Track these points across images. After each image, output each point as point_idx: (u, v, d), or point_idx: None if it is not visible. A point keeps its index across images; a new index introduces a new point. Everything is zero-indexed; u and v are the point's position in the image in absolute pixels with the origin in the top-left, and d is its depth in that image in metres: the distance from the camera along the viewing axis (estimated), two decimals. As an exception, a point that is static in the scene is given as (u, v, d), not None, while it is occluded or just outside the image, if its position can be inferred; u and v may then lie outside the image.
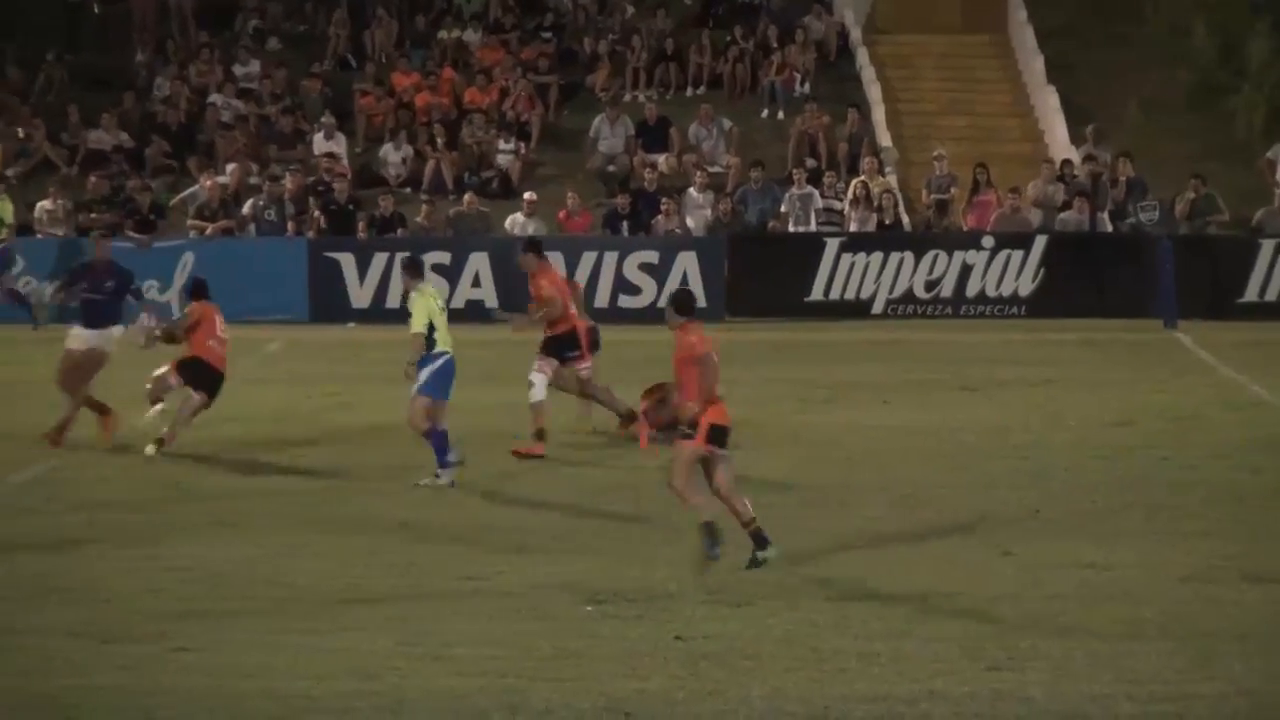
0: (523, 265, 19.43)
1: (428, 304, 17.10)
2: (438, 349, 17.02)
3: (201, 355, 18.83)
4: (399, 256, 29.92)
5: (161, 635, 12.15)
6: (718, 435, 13.92)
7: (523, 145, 34.22)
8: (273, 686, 11.15)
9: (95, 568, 14.08)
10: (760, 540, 13.88)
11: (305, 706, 10.82)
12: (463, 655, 11.75)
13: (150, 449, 18.37)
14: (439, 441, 16.97)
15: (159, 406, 18.90)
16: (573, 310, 19.31)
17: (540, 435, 18.52)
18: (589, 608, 12.83)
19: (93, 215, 31.50)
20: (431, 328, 17.01)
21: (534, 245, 19.57)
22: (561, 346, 19.10)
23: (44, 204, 31.59)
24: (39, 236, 31.25)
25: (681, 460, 13.89)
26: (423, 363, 17.03)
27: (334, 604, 12.97)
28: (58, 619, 12.60)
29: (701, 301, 29.89)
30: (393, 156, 33.79)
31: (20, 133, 34.62)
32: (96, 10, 38.59)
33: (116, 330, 19.54)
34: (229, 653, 11.81)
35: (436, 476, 16.89)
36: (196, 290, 19.51)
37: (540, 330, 19.29)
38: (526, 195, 31.80)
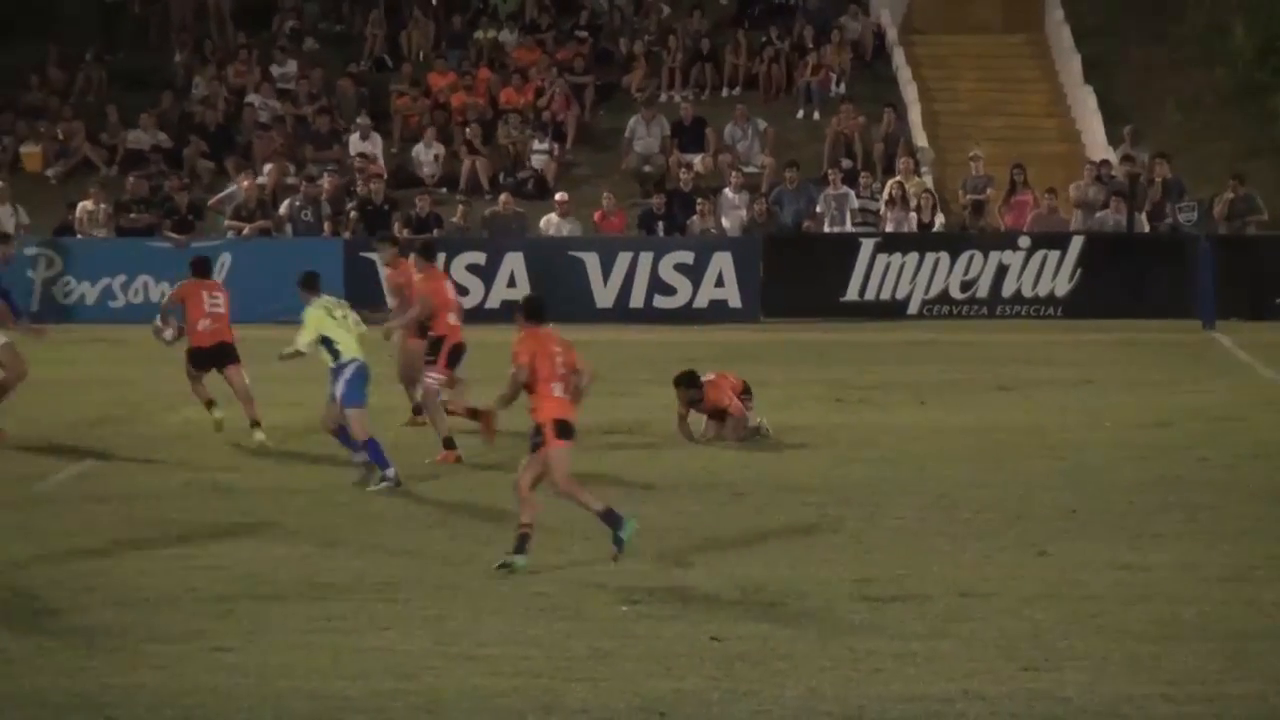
0: (416, 266, 19.32)
1: (318, 318, 17.14)
2: (344, 358, 17.06)
3: (193, 344, 19.35)
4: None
5: (199, 634, 12.19)
6: (564, 430, 14.10)
7: (558, 145, 34.26)
8: (309, 686, 11.18)
9: (133, 566, 14.12)
10: (521, 543, 13.87)
11: (341, 706, 10.84)
12: (498, 655, 11.76)
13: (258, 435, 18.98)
14: (373, 449, 16.98)
15: (215, 411, 19.30)
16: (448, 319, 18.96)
17: (474, 414, 18.32)
18: (624, 608, 12.83)
19: (132, 215, 31.66)
20: (329, 340, 17.05)
21: (428, 248, 19.74)
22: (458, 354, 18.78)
23: (85, 204, 31.73)
24: (79, 237, 31.38)
25: (562, 472, 14.08)
26: (335, 374, 17.09)
27: (369, 603, 12.99)
28: (97, 618, 12.65)
29: (736, 302, 30.05)
30: (424, 156, 33.86)
31: (59, 133, 34.81)
32: (137, 10, 38.73)
33: None
34: (266, 652, 11.84)
35: (384, 480, 16.90)
36: (194, 268, 19.91)
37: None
38: (559, 195, 31.83)
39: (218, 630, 12.28)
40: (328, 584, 13.54)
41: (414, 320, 19.00)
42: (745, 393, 19.47)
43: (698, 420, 19.40)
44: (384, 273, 20.58)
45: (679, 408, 19.37)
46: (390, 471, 16.90)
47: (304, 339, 17.14)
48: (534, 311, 14.58)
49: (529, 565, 13.82)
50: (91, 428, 20.04)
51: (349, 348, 17.09)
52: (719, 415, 19.31)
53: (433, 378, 18.63)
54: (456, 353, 18.73)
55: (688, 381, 19.41)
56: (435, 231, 31.24)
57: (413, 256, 19.69)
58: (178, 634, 12.21)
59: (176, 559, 14.32)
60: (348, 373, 17.01)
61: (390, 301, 20.46)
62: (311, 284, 17.73)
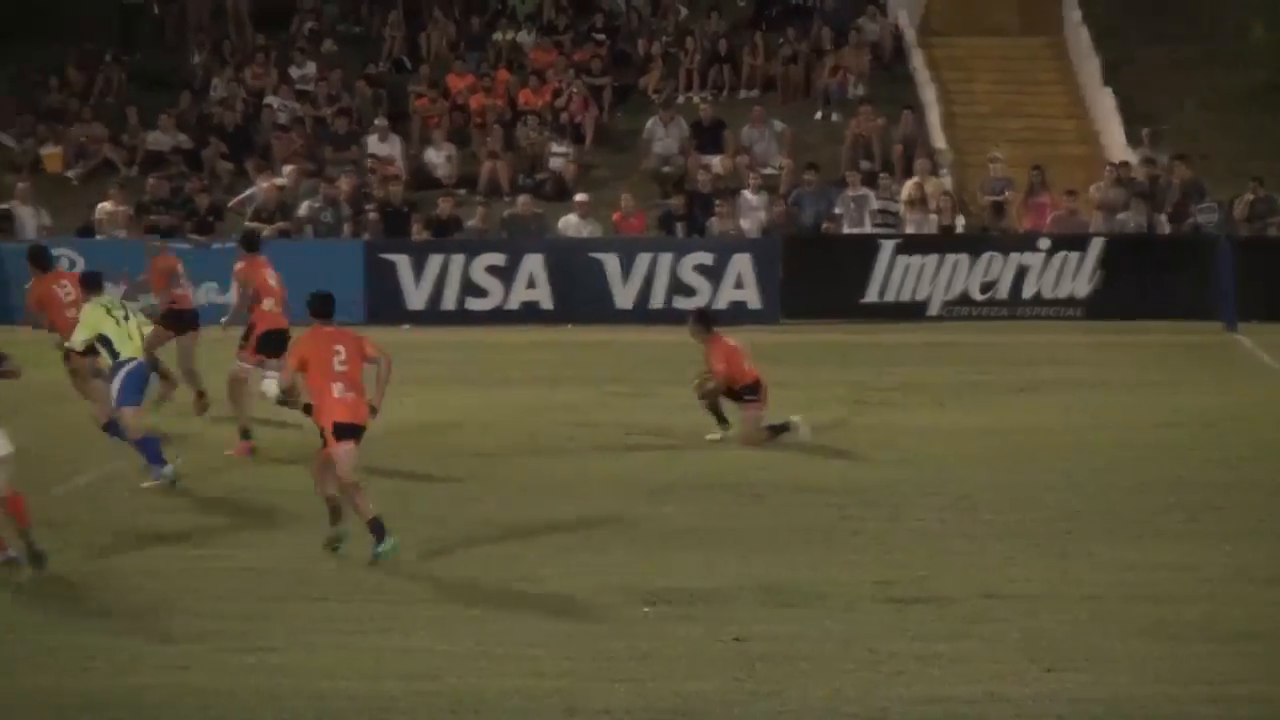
0: (238, 255, 20.24)
1: (96, 316, 17.11)
2: (123, 356, 17.06)
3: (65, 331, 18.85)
4: (453, 259, 30.25)
5: (213, 635, 12.21)
6: (343, 431, 14.25)
7: (576, 147, 34.28)
8: (350, 687, 11.17)
9: (176, 567, 14.12)
10: (379, 532, 14.15)
11: (384, 706, 10.83)
12: (520, 656, 11.77)
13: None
14: (149, 447, 17.10)
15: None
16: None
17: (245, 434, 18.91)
18: (646, 609, 12.83)
19: (152, 217, 31.70)
20: (107, 339, 17.02)
21: (249, 238, 20.59)
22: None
23: (105, 205, 31.78)
24: (99, 238, 31.42)
25: (344, 471, 14.28)
26: (114, 372, 17.09)
27: (389, 604, 13.00)
28: (109, 619, 12.68)
29: (756, 303, 30.04)
30: (436, 158, 33.88)
31: (79, 135, 34.85)
32: (156, 11, 38.80)
33: None
34: (282, 653, 11.85)
35: (160, 477, 17.00)
36: (33, 261, 19.63)
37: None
38: (578, 197, 31.85)
39: (232, 631, 12.29)
40: (346, 585, 13.54)
41: (237, 308, 19.81)
42: (751, 391, 19.32)
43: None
44: (148, 265, 21.28)
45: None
46: (167, 470, 17.01)
47: (78, 337, 17.19)
48: (319, 309, 14.71)
49: (399, 546, 14.13)
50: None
51: (126, 347, 17.06)
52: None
53: (239, 363, 19.07)
54: (269, 339, 19.02)
55: (700, 316, 19.76)
56: (455, 234, 31.28)
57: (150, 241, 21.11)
58: (192, 635, 12.22)
59: (191, 560, 14.33)
60: (125, 370, 17.03)
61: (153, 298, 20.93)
62: (90, 283, 17.70)
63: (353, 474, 14.32)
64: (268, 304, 19.37)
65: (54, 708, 10.89)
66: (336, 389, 14.30)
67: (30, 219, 31.48)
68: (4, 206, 31.92)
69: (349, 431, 14.29)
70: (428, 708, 10.79)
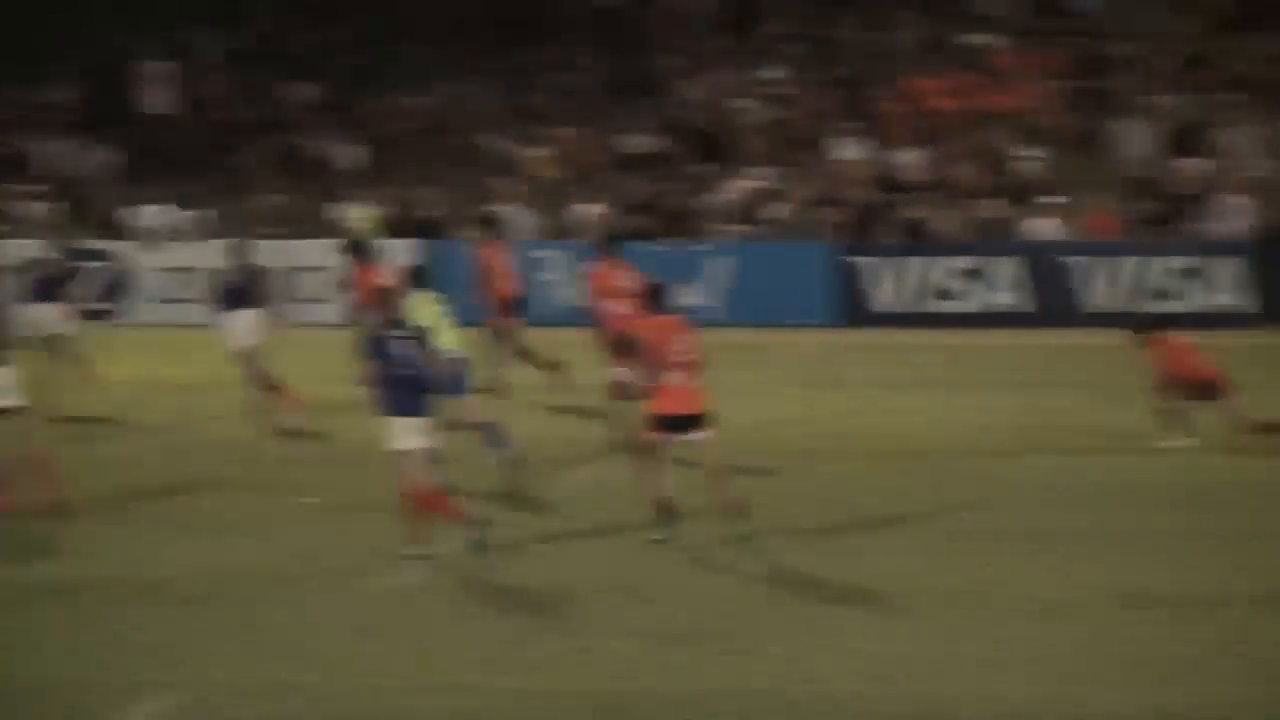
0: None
1: (414, 306, 17.13)
2: (443, 347, 17.02)
3: None
4: (922, 261, 30.23)
5: (709, 635, 12.33)
6: (666, 424, 14.27)
7: (1046, 149, 33.80)
8: (818, 689, 11.23)
9: (660, 564, 14.28)
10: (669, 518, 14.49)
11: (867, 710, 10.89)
12: (1006, 659, 11.67)
13: None
14: (492, 432, 17.35)
15: None
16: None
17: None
18: (1132, 611, 12.56)
19: (631, 219, 32.47)
20: (425, 330, 16.92)
21: (607, 242, 20.86)
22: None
23: (585, 209, 32.68)
24: (577, 240, 32.33)
25: (644, 462, 14.59)
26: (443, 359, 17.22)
27: (874, 609, 13.00)
28: (626, 619, 12.88)
29: (1240, 307, 29.18)
30: (912, 161, 33.85)
31: (561, 137, 35.86)
32: (627, 14, 39.72)
33: None
34: (777, 653, 11.93)
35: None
36: (354, 252, 21.86)
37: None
38: (1050, 199, 31.47)
39: (739, 631, 12.41)
40: (833, 588, 13.56)
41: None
42: (1212, 388, 18.74)
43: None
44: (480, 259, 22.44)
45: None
46: (506, 451, 17.27)
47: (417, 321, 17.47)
48: (651, 299, 14.84)
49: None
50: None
51: (445, 339, 17.23)
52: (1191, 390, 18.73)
53: (618, 371, 19.08)
54: (621, 341, 18.92)
55: (1136, 321, 19.49)
56: (924, 237, 31.18)
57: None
58: (688, 635, 12.37)
59: (705, 556, 14.43)
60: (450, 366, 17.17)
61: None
62: (415, 278, 18.00)
63: (655, 465, 14.42)
64: (615, 306, 19.57)
65: (586, 710, 11.09)
66: (672, 378, 14.34)
67: (526, 222, 32.50)
68: (491, 209, 33.13)
69: (673, 424, 14.32)
70: (919, 713, 10.79)
